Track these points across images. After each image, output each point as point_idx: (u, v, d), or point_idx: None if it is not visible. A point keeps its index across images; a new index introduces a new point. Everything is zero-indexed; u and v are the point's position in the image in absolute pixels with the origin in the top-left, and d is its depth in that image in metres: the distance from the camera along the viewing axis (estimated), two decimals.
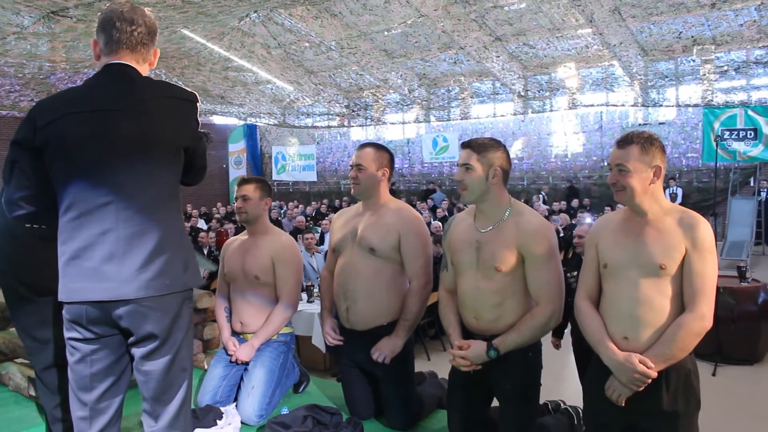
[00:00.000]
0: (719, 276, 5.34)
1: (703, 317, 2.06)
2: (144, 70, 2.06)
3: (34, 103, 2.64)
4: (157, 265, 1.91)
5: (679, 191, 14.14)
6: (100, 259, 1.89)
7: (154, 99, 1.99)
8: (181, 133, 2.03)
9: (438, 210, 13.81)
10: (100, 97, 1.97)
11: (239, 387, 3.26)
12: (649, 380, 2.07)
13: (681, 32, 12.99)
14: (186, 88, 2.11)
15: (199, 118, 2.11)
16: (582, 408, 2.52)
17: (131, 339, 1.97)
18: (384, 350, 2.89)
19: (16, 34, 10.78)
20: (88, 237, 1.90)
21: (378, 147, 3.03)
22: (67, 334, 2.00)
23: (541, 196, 15.33)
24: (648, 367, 2.06)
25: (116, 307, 1.90)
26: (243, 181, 3.40)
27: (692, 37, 13.08)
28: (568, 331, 3.75)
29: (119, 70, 2.00)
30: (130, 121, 1.93)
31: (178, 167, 2.05)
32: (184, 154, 2.07)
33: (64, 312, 1.99)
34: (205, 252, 9.21)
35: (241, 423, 3.05)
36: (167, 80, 14.77)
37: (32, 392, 3.39)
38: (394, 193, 12.69)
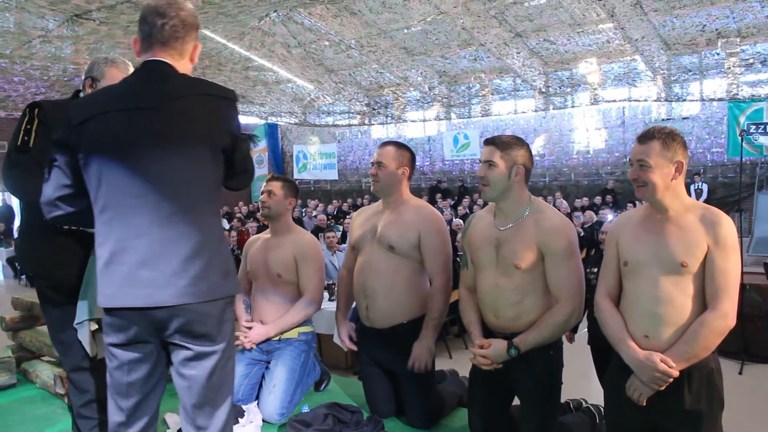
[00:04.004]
0: (745, 273, 5.29)
1: (725, 315, 2.03)
2: (182, 66, 1.95)
3: None
4: (192, 271, 1.83)
5: (705, 187, 13.96)
6: (134, 264, 1.82)
7: (188, 97, 1.89)
8: (218, 133, 1.91)
9: (459, 208, 13.78)
10: (133, 95, 1.89)
11: (261, 385, 3.29)
12: (671, 379, 2.05)
13: (705, 25, 12.81)
14: (224, 86, 2.02)
15: (238, 117, 2.01)
16: (603, 407, 2.50)
17: (173, 341, 1.89)
18: (420, 357, 2.89)
19: (41, 38, 10.97)
20: (122, 240, 1.83)
21: (399, 145, 3.04)
22: (106, 339, 1.93)
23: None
24: (669, 366, 2.04)
25: (155, 314, 1.83)
26: (272, 178, 3.43)
27: (716, 29, 12.88)
28: (587, 328, 3.73)
29: (153, 66, 1.91)
30: (162, 119, 1.84)
31: (216, 169, 1.94)
32: (223, 155, 1.95)
33: (104, 317, 1.93)
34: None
35: (263, 421, 3.07)
36: None
37: (59, 389, 3.44)
38: (437, 190, 12.49)
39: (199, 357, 1.89)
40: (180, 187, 1.84)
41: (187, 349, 1.88)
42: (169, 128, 1.84)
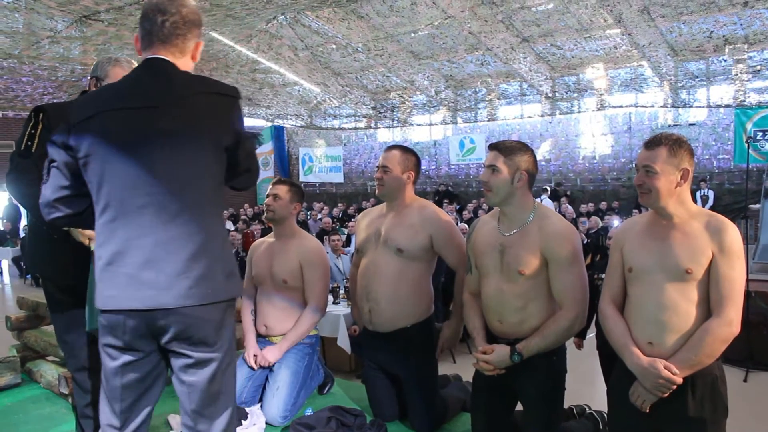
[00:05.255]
0: (751, 280, 5.27)
1: (730, 323, 2.02)
2: (183, 63, 1.92)
3: None
4: (196, 272, 1.79)
5: (711, 193, 13.92)
6: (136, 265, 1.77)
7: (192, 95, 1.85)
8: (222, 132, 1.87)
9: (464, 212, 13.78)
10: (136, 93, 1.85)
11: (264, 388, 3.29)
12: (674, 386, 2.05)
13: (712, 31, 12.78)
14: (227, 84, 1.98)
15: (242, 116, 1.98)
16: (607, 413, 2.50)
17: (171, 348, 1.85)
18: (449, 338, 3.01)
19: (50, 38, 11.02)
20: (124, 241, 1.79)
21: (404, 150, 3.04)
22: (102, 341, 1.88)
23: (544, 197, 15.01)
24: (673, 373, 2.04)
25: (156, 317, 1.78)
26: (278, 181, 3.43)
27: (724, 36, 12.86)
28: (593, 334, 3.72)
29: (154, 64, 1.87)
30: (167, 118, 1.80)
31: (219, 168, 1.91)
32: (227, 153, 1.92)
33: (100, 318, 1.87)
34: (233, 252, 9.28)
35: (266, 423, 3.08)
36: None
37: (63, 389, 3.45)
38: (443, 195, 12.51)
39: (198, 364, 1.85)
40: (185, 187, 1.81)
41: (186, 356, 1.84)
42: (174, 127, 1.81)
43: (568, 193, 15.94)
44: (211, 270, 1.83)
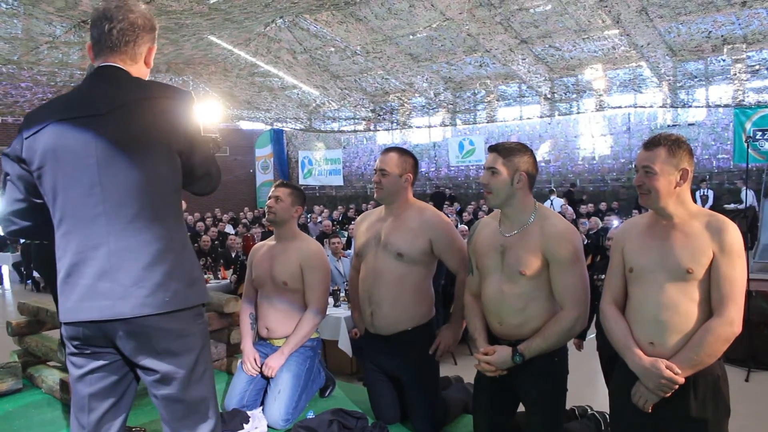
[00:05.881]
0: (752, 280, 5.27)
1: (731, 322, 2.02)
2: (136, 70, 1.89)
3: None
4: (153, 280, 1.76)
5: (710, 193, 13.92)
6: (92, 276, 1.76)
7: (140, 100, 1.81)
8: (172, 136, 1.82)
9: (464, 214, 13.78)
10: (83, 102, 1.82)
11: (266, 391, 3.29)
12: (676, 386, 2.05)
13: (710, 32, 12.77)
14: (180, 87, 1.94)
15: (196, 120, 1.91)
16: (609, 414, 2.50)
17: (138, 363, 1.81)
18: (445, 340, 2.96)
19: (48, 44, 11.03)
20: (80, 252, 1.77)
21: (402, 152, 3.04)
22: (66, 351, 1.88)
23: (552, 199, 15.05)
24: (675, 373, 2.04)
25: (115, 327, 1.76)
26: (280, 184, 3.43)
27: (722, 36, 12.85)
28: (594, 335, 3.72)
29: (104, 72, 1.85)
30: (113, 125, 1.77)
31: (173, 173, 1.86)
32: (180, 158, 1.87)
33: (62, 330, 1.86)
34: (233, 256, 9.30)
35: (268, 427, 3.08)
36: (194, 87, 15.00)
37: (64, 394, 3.45)
38: (442, 197, 12.43)
39: (167, 378, 1.81)
40: (137, 194, 1.78)
41: (154, 371, 1.81)
42: (120, 134, 1.77)
43: (584, 197, 15.91)
44: (170, 278, 1.80)
